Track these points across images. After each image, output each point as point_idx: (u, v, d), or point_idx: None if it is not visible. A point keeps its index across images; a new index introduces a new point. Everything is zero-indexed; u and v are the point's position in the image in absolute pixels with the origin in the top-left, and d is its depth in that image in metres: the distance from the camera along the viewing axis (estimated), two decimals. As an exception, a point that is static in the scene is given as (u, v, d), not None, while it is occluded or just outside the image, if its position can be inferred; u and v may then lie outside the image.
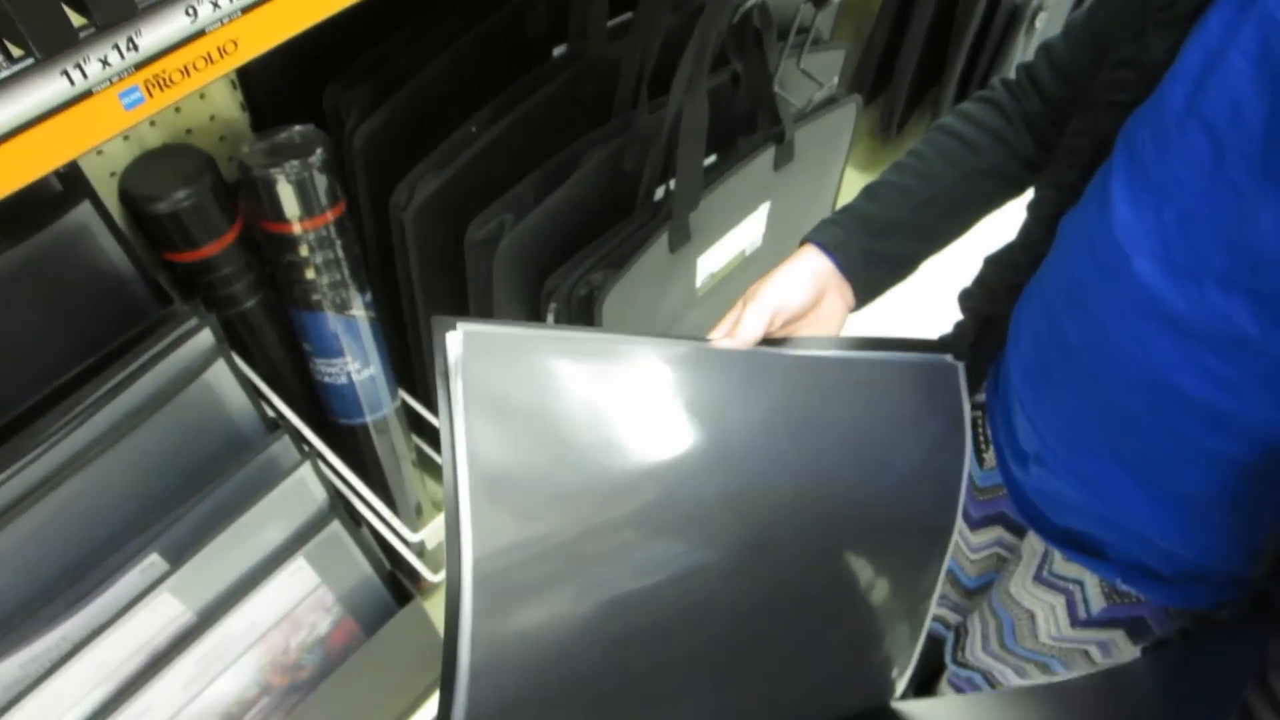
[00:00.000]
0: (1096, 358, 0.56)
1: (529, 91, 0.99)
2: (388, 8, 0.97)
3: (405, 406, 1.21)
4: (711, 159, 1.16)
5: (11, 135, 0.39)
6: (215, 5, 0.43)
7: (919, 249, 0.72)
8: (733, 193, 1.12)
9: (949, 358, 0.69)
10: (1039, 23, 1.44)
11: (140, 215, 0.87)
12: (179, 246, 0.90)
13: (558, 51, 1.07)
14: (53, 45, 0.38)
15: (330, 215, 0.94)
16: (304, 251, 0.95)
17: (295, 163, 0.89)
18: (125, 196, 0.87)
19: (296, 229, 0.93)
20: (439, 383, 0.53)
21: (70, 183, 0.80)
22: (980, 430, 0.79)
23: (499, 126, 0.97)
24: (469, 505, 0.51)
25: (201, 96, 0.91)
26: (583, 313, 1.05)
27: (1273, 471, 0.48)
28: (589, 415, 0.56)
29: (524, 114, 0.98)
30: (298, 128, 0.92)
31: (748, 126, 1.18)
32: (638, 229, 1.07)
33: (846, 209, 0.72)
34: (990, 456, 0.78)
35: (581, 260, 1.03)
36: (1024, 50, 1.43)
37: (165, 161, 0.89)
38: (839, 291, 0.69)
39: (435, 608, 1.32)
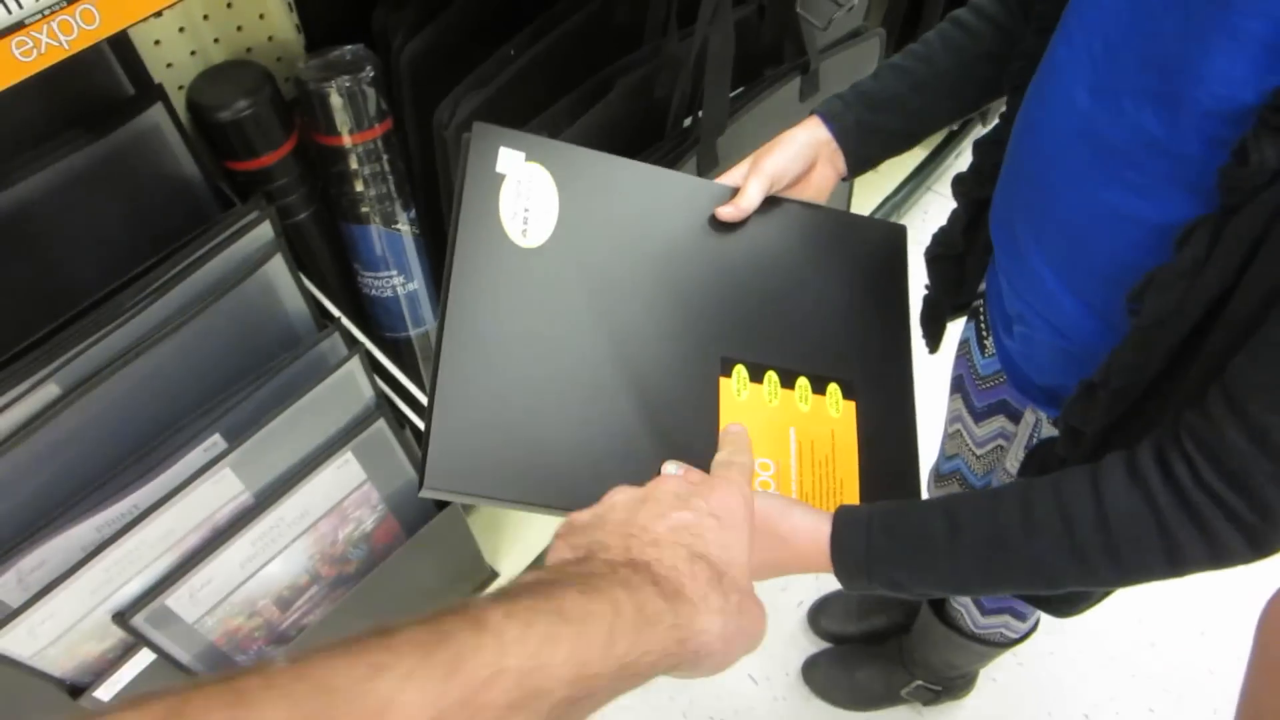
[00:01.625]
0: (1047, 192, 0.61)
1: (566, 16, 1.05)
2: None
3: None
4: (740, 89, 1.21)
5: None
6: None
7: (913, 126, 0.78)
8: (759, 121, 1.17)
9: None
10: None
11: (205, 124, 0.94)
12: (240, 155, 0.97)
13: (592, -16, 1.13)
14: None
15: (378, 130, 1.01)
16: (353, 164, 1.02)
17: (346, 78, 0.96)
18: (192, 105, 0.94)
19: (347, 142, 1.00)
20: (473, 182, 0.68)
21: (143, 88, 0.88)
22: (982, 317, 0.84)
23: (537, 49, 1.03)
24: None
25: (261, 17, 0.98)
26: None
27: None
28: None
29: (560, 37, 1.04)
30: (349, 47, 0.98)
31: (774, 58, 1.22)
32: (667, 153, 1.12)
33: (853, 86, 0.79)
34: (990, 343, 0.83)
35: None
36: None
37: (228, 76, 0.96)
38: (831, 160, 0.77)
39: (474, 518, 1.39)
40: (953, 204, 0.80)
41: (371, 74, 0.97)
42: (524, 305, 0.66)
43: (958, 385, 0.96)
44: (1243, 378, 0.49)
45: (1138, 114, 0.52)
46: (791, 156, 0.76)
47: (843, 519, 0.60)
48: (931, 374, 0.92)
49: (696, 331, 0.70)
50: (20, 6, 0.44)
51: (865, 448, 0.70)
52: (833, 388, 0.72)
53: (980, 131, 1.86)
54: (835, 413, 0.71)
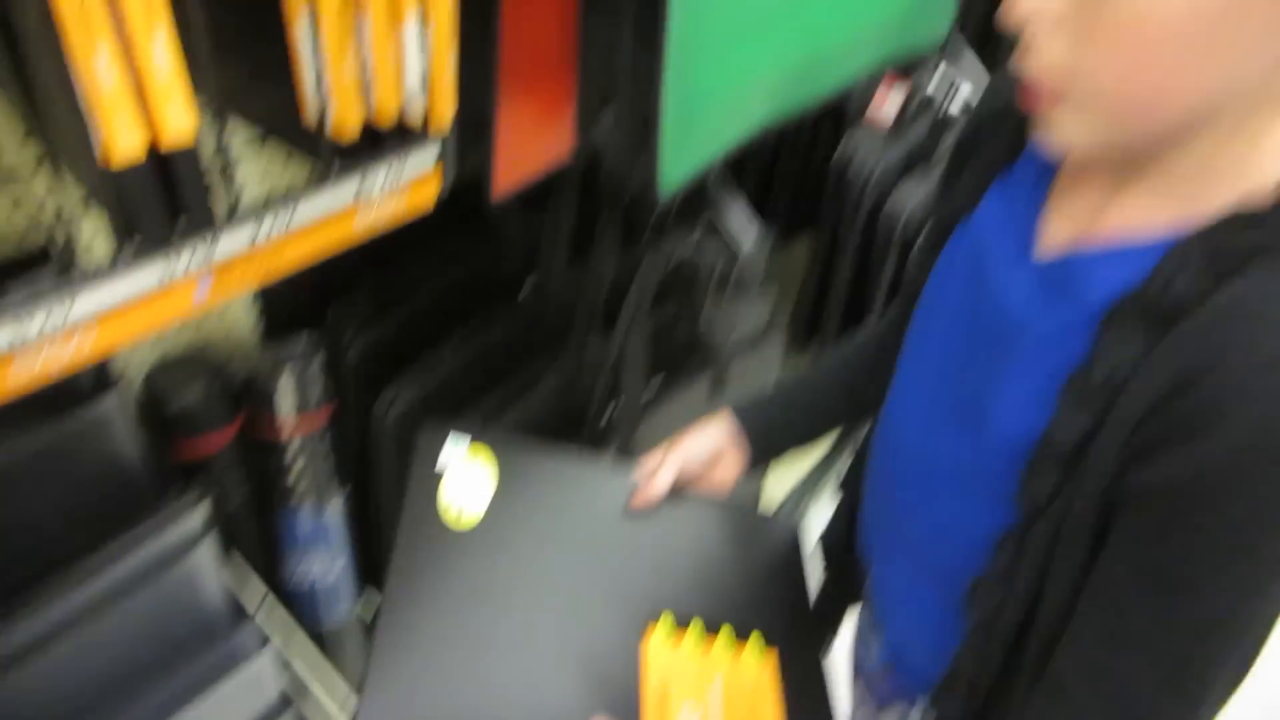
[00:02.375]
0: (895, 502, 0.70)
1: (499, 320, 1.17)
2: (388, 241, 1.16)
3: (370, 602, 1.29)
4: (656, 386, 1.33)
5: (120, 307, 0.53)
6: (269, 225, 0.59)
7: (812, 425, 0.89)
8: (673, 413, 1.28)
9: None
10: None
11: (155, 412, 1.00)
12: (184, 441, 1.02)
13: (526, 287, 1.26)
14: (156, 238, 0.54)
15: (320, 416, 1.08)
16: (293, 450, 1.08)
17: (296, 368, 1.04)
18: (145, 394, 1.00)
19: (289, 429, 1.06)
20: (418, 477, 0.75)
21: (102, 377, 0.94)
22: (870, 608, 0.91)
23: (475, 346, 1.13)
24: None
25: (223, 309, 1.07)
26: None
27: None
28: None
29: (496, 337, 1.15)
30: (302, 339, 1.07)
31: (687, 357, 1.36)
32: (589, 443, 1.21)
33: (759, 393, 0.90)
34: (878, 634, 0.89)
35: (538, 465, 1.16)
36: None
37: (183, 366, 1.03)
38: (738, 453, 0.86)
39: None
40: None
41: (320, 365, 1.05)
42: (457, 587, 0.71)
43: (857, 671, 1.01)
44: (1064, 665, 0.56)
45: (957, 441, 0.63)
46: (702, 449, 0.85)
47: None
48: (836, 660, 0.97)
49: (619, 600, 0.76)
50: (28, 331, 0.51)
51: (786, 697, 0.75)
52: (755, 635, 0.78)
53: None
54: (757, 661, 0.76)
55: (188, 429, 1.01)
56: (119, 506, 0.94)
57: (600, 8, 0.73)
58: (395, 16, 0.60)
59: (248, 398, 1.06)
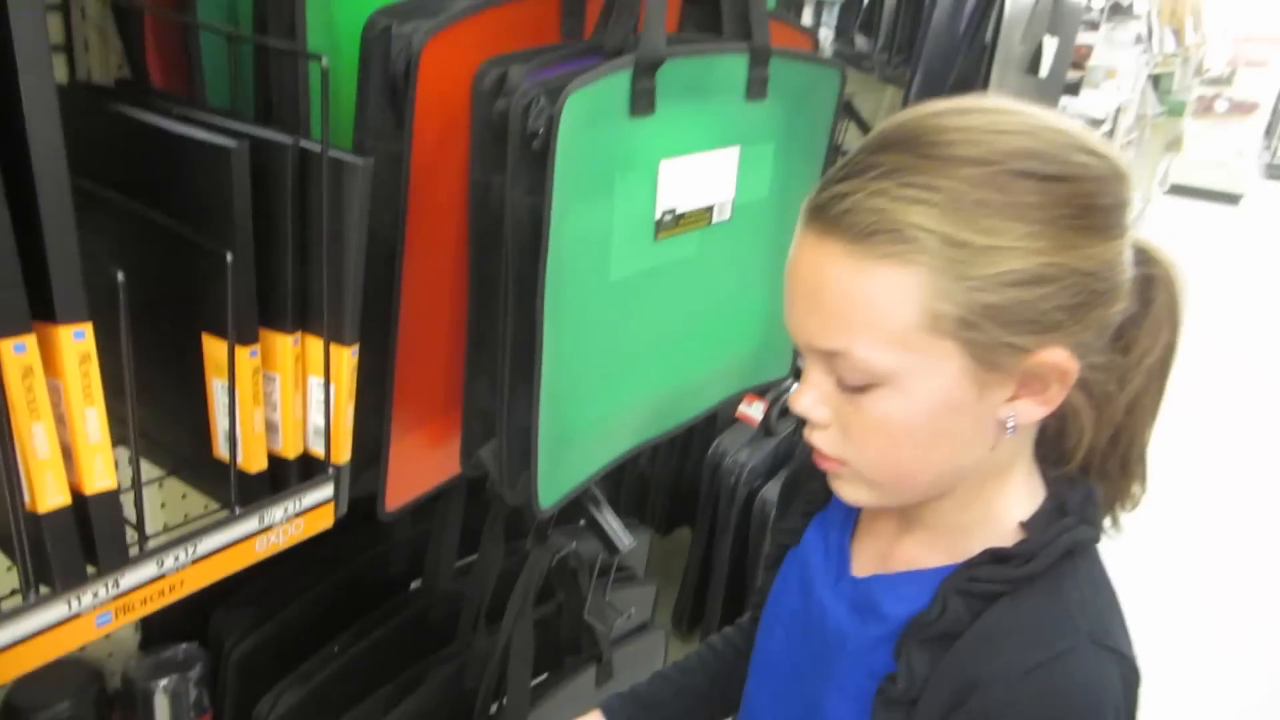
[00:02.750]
0: None
1: (387, 618, 1.20)
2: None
3: None
4: (543, 676, 1.35)
5: (19, 644, 0.58)
6: (176, 558, 0.66)
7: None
8: (559, 704, 1.30)
9: None
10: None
11: (21, 724, 0.98)
12: (48, 755, 0.99)
13: (414, 585, 1.31)
14: (70, 584, 0.59)
15: (196, 726, 1.07)
16: (163, 758, 1.05)
17: (174, 676, 1.04)
18: (9, 706, 0.98)
19: (161, 738, 1.05)
20: None
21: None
22: None
23: (359, 647, 1.16)
24: None
25: (103, 619, 1.08)
26: (418, 822, 1.15)
27: None
28: None
29: (381, 637, 1.18)
30: (183, 646, 1.08)
31: (574, 649, 1.39)
32: (472, 742, 1.21)
33: (631, 687, 0.96)
34: None
35: (419, 768, 1.15)
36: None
37: (55, 673, 1.02)
38: None
39: None
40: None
41: (200, 673, 1.06)
42: None
43: None
44: None
45: None
46: None
47: None
48: None
49: None
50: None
51: None
52: None
53: None
54: None
55: (56, 743, 0.98)
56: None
57: (482, 358, 0.85)
58: (300, 379, 0.70)
59: (120, 708, 1.05)
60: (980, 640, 0.60)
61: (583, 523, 1.32)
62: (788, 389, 1.78)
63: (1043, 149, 0.55)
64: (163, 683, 1.03)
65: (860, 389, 0.59)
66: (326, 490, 0.75)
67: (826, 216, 0.58)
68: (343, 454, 0.75)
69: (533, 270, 0.78)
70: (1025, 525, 0.63)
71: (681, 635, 1.83)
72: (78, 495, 0.58)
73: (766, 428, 1.75)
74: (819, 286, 0.59)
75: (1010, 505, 0.65)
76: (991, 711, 0.58)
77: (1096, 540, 0.64)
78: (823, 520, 0.78)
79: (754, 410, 1.77)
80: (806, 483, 0.82)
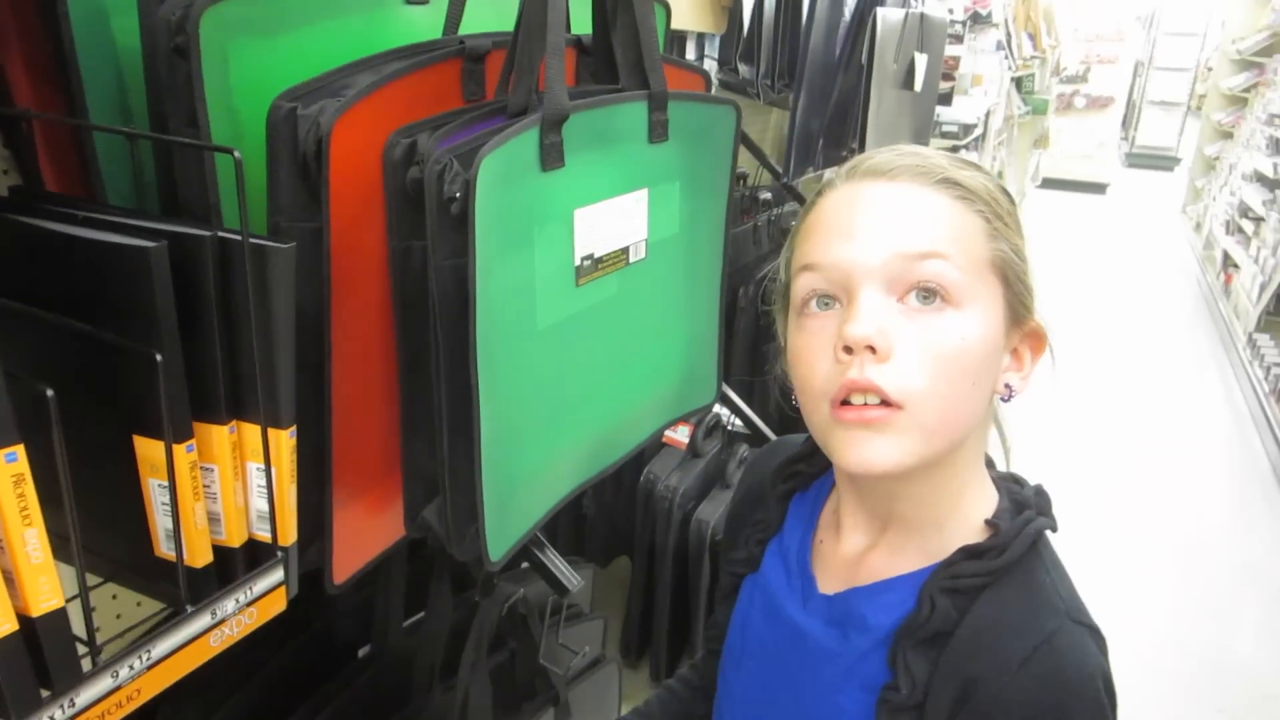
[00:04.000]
0: None
1: (341, 689, 1.18)
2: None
3: None
4: (502, 725, 1.35)
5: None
6: (131, 667, 0.64)
7: None
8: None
9: None
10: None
11: None
12: None
13: (363, 652, 1.29)
14: (25, 712, 0.57)
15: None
16: None
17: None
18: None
19: None
20: None
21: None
22: None
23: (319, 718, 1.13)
24: None
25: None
26: None
27: None
28: None
29: (337, 708, 1.16)
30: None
31: (531, 692, 1.39)
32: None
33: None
34: None
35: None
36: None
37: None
38: None
39: None
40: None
41: (150, 773, 1.02)
42: None
43: None
44: None
45: None
46: None
47: None
48: None
49: None
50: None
51: None
52: None
53: None
54: None
55: None
56: None
57: (417, 420, 0.86)
58: (239, 467, 0.70)
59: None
60: (973, 635, 0.64)
61: (525, 565, 1.32)
62: (712, 411, 1.82)
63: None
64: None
65: (931, 309, 0.63)
66: (277, 574, 0.74)
67: (892, 168, 0.67)
68: (289, 535, 0.74)
69: (462, 329, 0.79)
70: (991, 523, 0.68)
71: (631, 664, 1.84)
72: (24, 619, 0.57)
73: (694, 450, 1.79)
74: (907, 207, 0.65)
75: (973, 504, 0.69)
76: (998, 701, 0.61)
77: (1055, 529, 0.69)
78: (779, 546, 0.79)
79: (680, 434, 1.80)
80: (753, 511, 0.84)
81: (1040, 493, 0.70)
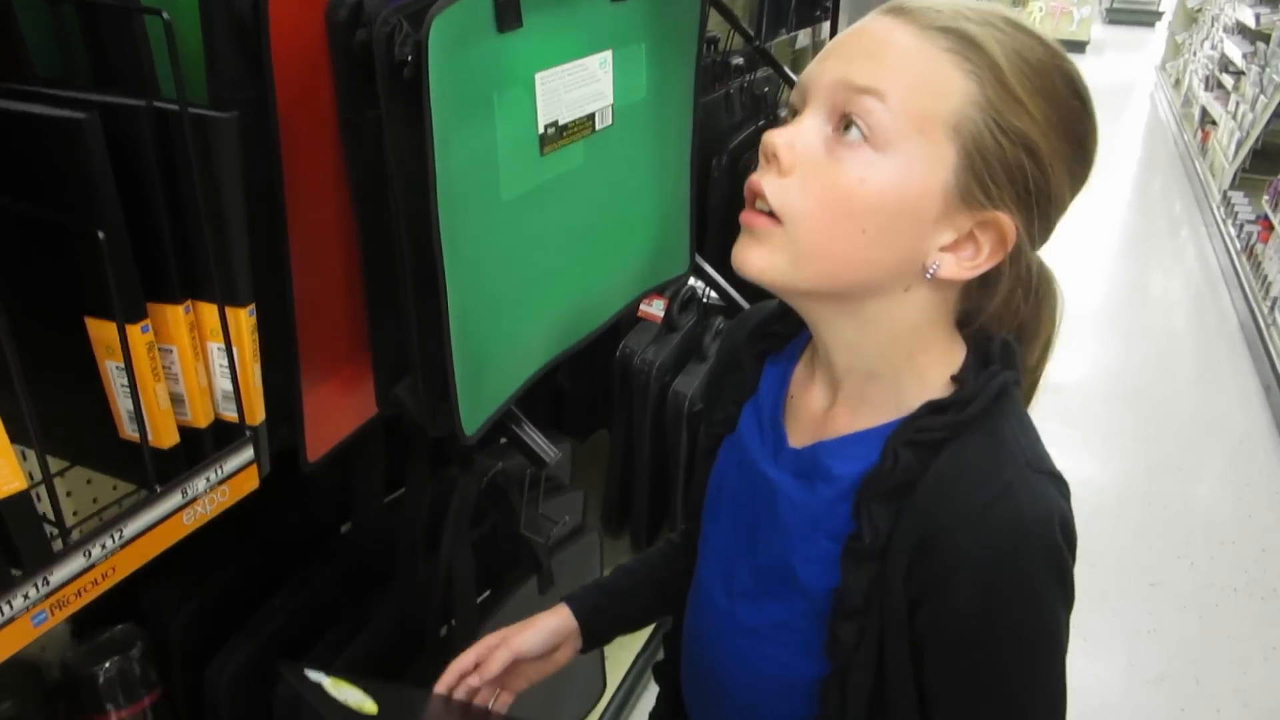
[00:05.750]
0: (716, 674, 0.80)
1: (324, 563, 1.20)
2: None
3: None
4: (486, 594, 1.38)
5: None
6: (103, 546, 0.64)
7: (635, 614, 0.99)
8: (510, 616, 1.34)
9: None
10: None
11: (-36, 731, 0.96)
12: (-1, 755, 0.97)
13: (344, 528, 1.31)
14: (-4, 592, 0.57)
15: (147, 701, 1.06)
16: (121, 739, 1.05)
17: (116, 659, 1.03)
18: (-49, 716, 0.96)
19: (113, 719, 1.04)
20: None
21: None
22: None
23: (301, 596, 1.16)
24: None
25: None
26: (387, 751, 1.18)
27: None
28: None
29: (322, 583, 1.18)
30: (118, 628, 1.06)
31: (514, 562, 1.43)
32: (428, 664, 1.24)
33: (595, 580, 1.00)
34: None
35: (381, 702, 1.18)
36: (726, 470, 1.82)
37: (-8, 677, 1.00)
38: (571, 641, 0.94)
39: None
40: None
41: (140, 649, 1.05)
42: None
43: None
44: None
45: (768, 606, 0.74)
46: (538, 638, 0.92)
47: None
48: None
49: None
50: None
51: None
52: None
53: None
54: None
55: (4, 744, 0.97)
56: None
57: (382, 297, 0.84)
58: (199, 347, 0.68)
59: (64, 699, 1.04)
60: (934, 487, 0.65)
61: (503, 441, 1.33)
62: (687, 284, 1.80)
63: (1084, 87, 0.66)
64: (105, 666, 1.02)
65: (849, 143, 0.62)
66: (247, 453, 0.73)
67: (907, 9, 0.64)
68: (257, 414, 0.74)
69: (423, 202, 0.76)
70: (956, 378, 0.68)
71: (612, 535, 1.88)
72: (-14, 501, 0.57)
73: (669, 323, 1.78)
74: (881, 43, 0.63)
75: (935, 362, 0.69)
76: (957, 550, 0.63)
77: (1019, 383, 0.69)
78: (754, 405, 0.80)
79: (655, 308, 1.79)
80: (730, 374, 0.84)
81: (1007, 346, 0.69)
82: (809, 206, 0.63)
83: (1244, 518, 2.73)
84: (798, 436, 0.76)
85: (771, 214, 0.64)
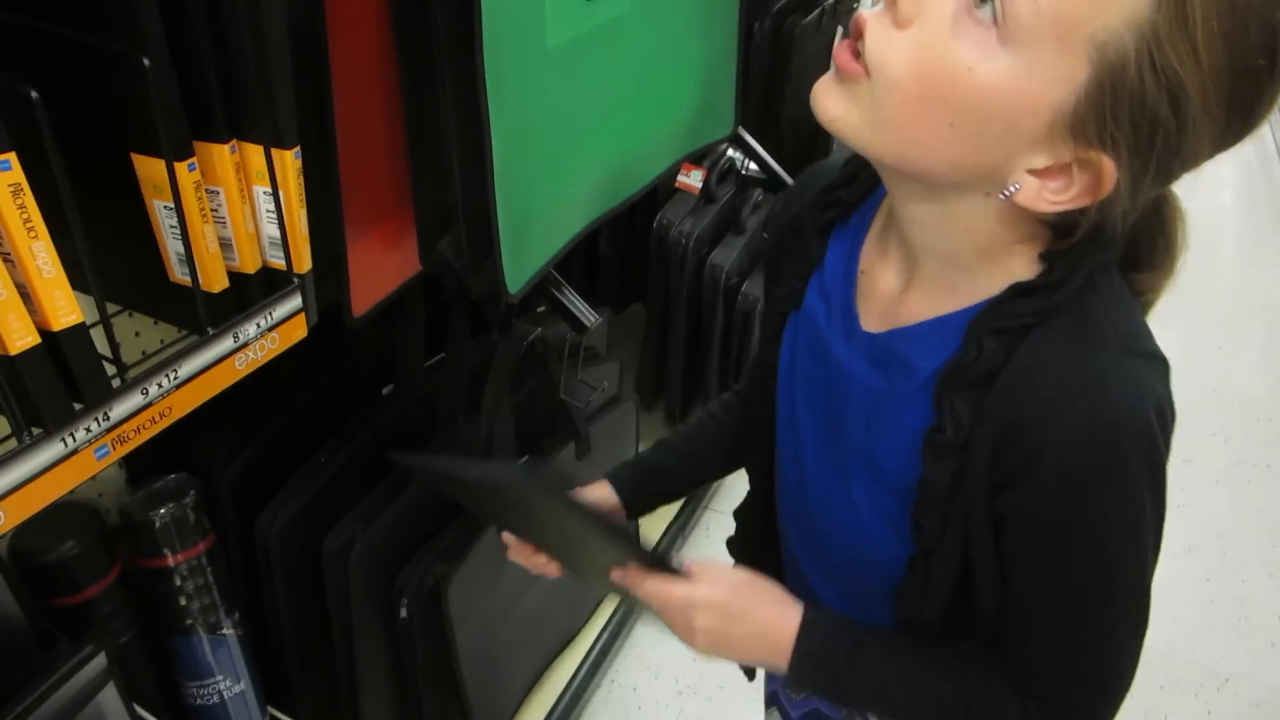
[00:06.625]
0: (811, 528, 0.80)
1: (367, 423, 1.23)
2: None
3: (271, 722, 1.29)
4: (524, 459, 1.41)
5: (25, 484, 0.58)
6: (159, 385, 0.65)
7: (676, 485, 0.99)
8: (545, 483, 1.36)
9: None
10: (770, 323, 1.84)
11: (29, 566, 1.00)
12: (64, 591, 1.02)
13: (385, 390, 1.33)
14: (60, 422, 0.59)
15: (201, 547, 1.10)
16: (177, 582, 1.09)
17: (171, 505, 1.06)
18: (16, 551, 1.00)
19: (171, 562, 1.08)
20: None
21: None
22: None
23: (346, 454, 1.18)
24: None
25: (85, 462, 1.09)
26: (430, 604, 1.22)
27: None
28: None
29: (365, 441, 1.21)
30: (172, 476, 1.10)
31: (552, 428, 1.45)
32: (468, 522, 1.28)
33: (636, 455, 1.00)
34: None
35: (424, 555, 1.22)
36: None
37: (53, 517, 1.04)
38: (617, 512, 0.95)
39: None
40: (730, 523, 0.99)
41: (195, 498, 1.08)
42: None
43: (773, 700, 1.07)
44: (1027, 665, 0.67)
45: (853, 489, 0.72)
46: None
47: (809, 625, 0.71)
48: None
49: None
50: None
51: None
52: None
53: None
54: None
55: (68, 584, 1.01)
56: (8, 668, 0.94)
57: (426, 149, 0.82)
58: (246, 190, 0.67)
59: (125, 540, 1.08)
60: (1020, 375, 0.60)
61: (541, 309, 1.33)
62: (725, 154, 1.76)
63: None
64: (161, 511, 1.06)
65: (977, 24, 0.53)
66: (295, 301, 0.74)
67: None
68: (304, 262, 0.74)
69: (468, 45, 0.74)
70: (1045, 256, 0.62)
71: (646, 405, 1.90)
72: (46, 334, 0.57)
73: (708, 194, 1.75)
74: None
75: (1015, 258, 0.64)
76: (1042, 442, 0.59)
77: (1114, 259, 0.63)
78: (819, 280, 0.76)
79: (693, 179, 1.76)
80: (792, 244, 0.80)
81: (1097, 225, 0.59)
82: (905, 73, 0.56)
83: (1281, 396, 2.72)
84: (870, 319, 0.71)
85: (863, 63, 0.57)
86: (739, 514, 0.98)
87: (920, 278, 0.68)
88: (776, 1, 1.94)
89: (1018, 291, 0.62)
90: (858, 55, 0.58)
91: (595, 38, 0.87)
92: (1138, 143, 0.54)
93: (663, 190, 1.76)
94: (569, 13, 0.82)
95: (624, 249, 1.83)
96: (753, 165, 1.80)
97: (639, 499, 0.97)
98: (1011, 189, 0.58)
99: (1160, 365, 0.61)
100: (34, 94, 0.51)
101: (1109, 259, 0.62)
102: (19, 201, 0.53)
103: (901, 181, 0.64)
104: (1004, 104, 0.55)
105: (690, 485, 1.02)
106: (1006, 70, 0.54)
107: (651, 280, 1.75)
